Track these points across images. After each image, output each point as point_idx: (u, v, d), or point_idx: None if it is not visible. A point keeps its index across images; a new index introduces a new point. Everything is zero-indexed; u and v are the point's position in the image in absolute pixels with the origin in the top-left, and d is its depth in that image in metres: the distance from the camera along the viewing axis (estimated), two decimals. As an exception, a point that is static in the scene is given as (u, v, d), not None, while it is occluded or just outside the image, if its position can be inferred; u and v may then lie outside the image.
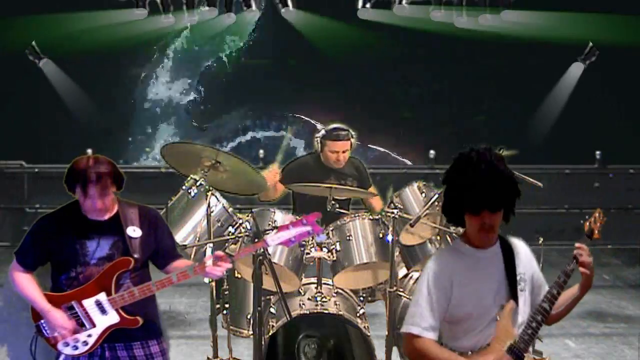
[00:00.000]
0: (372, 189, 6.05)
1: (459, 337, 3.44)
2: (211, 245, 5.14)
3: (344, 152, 5.86)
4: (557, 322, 3.63)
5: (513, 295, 3.42)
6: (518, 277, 3.44)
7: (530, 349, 3.52)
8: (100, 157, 4.01)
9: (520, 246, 3.56)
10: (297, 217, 5.26)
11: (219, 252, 4.11)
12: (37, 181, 10.79)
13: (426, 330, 3.36)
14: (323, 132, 5.90)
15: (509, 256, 3.46)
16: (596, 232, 3.59)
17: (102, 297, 3.98)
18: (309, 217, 4.10)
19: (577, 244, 3.51)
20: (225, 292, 5.48)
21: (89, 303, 3.98)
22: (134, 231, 4.04)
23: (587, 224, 3.60)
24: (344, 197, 5.76)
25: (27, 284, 4.05)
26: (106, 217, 4.05)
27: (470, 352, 3.41)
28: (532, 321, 3.44)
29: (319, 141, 5.90)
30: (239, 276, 5.42)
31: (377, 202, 6.00)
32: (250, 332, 5.36)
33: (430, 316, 3.36)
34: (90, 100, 11.99)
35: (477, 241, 3.44)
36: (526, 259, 3.53)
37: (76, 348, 4.00)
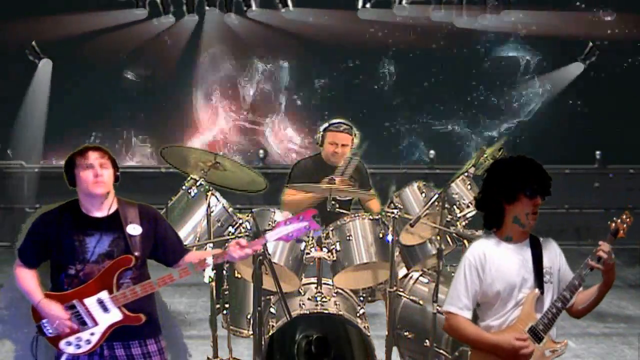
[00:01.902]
0: (371, 192, 6.05)
1: (489, 317, 3.87)
2: (211, 245, 5.14)
3: (343, 145, 5.86)
4: (586, 314, 4.00)
5: (539, 285, 3.81)
6: (544, 270, 3.83)
7: (554, 331, 3.87)
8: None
9: (549, 244, 3.95)
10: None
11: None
12: (37, 181, 10.79)
13: (461, 309, 3.84)
14: (326, 124, 5.93)
15: (537, 251, 3.86)
16: (621, 231, 3.85)
17: (103, 295, 3.98)
18: (305, 213, 4.13)
19: (600, 242, 3.80)
20: (225, 292, 5.48)
21: (90, 302, 3.98)
22: (134, 229, 4.04)
23: (613, 224, 3.86)
24: (345, 197, 5.76)
25: (26, 278, 4.06)
26: (106, 213, 4.06)
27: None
28: (553, 307, 3.82)
29: (320, 134, 5.90)
30: (239, 276, 5.43)
31: (375, 205, 6.00)
32: (250, 332, 5.36)
33: (465, 297, 3.83)
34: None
35: (523, 225, 3.81)
36: (554, 255, 3.92)
37: (79, 347, 4.00)
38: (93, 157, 4.03)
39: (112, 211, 4.08)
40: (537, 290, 3.81)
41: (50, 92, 11.87)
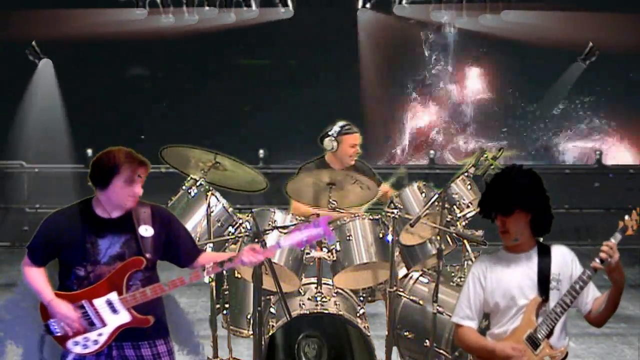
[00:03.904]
0: (376, 181, 6.05)
1: (494, 325, 3.91)
2: (211, 245, 5.14)
3: (358, 145, 5.97)
4: (605, 320, 3.88)
5: (542, 292, 3.77)
6: (551, 277, 3.79)
7: (565, 340, 3.84)
8: (121, 147, 4.02)
9: (559, 250, 3.90)
10: (299, 217, 5.31)
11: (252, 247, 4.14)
12: (37, 181, 10.79)
13: (463, 319, 3.91)
14: (337, 128, 5.95)
15: (544, 258, 3.83)
16: (630, 229, 3.79)
17: (113, 296, 3.97)
18: (320, 220, 4.11)
19: (604, 242, 3.74)
20: (225, 292, 5.48)
21: (99, 302, 3.97)
22: (146, 230, 4.02)
23: (623, 222, 3.80)
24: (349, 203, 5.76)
25: (35, 276, 4.04)
26: (119, 214, 4.03)
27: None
28: (552, 313, 3.76)
29: (334, 139, 5.91)
30: (239, 276, 5.43)
31: (386, 191, 6.01)
32: (250, 332, 5.36)
33: (467, 307, 3.90)
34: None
35: (505, 243, 3.89)
36: (563, 262, 3.86)
37: (86, 347, 3.99)
38: (142, 175, 3.95)
39: (124, 212, 4.05)
40: (538, 297, 3.77)
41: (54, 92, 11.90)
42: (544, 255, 3.85)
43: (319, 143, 6.05)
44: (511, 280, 3.82)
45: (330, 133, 5.96)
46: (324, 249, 5.26)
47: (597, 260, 3.70)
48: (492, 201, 3.82)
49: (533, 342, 3.75)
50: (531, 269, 3.82)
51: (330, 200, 5.31)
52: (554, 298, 3.78)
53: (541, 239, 3.95)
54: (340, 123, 6.02)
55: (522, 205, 3.75)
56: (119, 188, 3.93)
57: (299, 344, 5.10)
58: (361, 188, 5.38)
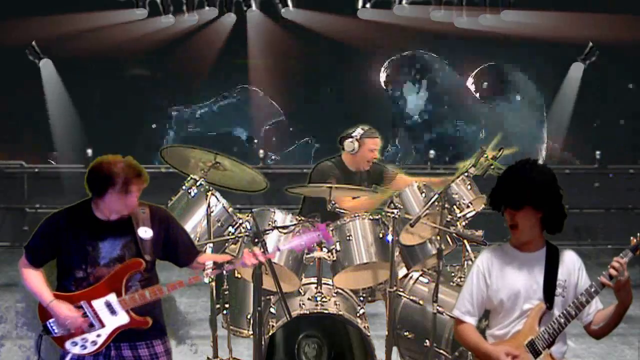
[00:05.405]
0: (399, 174, 6.21)
1: (495, 326, 3.84)
2: (211, 245, 5.14)
3: (377, 150, 6.07)
4: (605, 335, 3.84)
5: (547, 298, 3.71)
6: (557, 283, 3.72)
7: (565, 347, 3.80)
8: (120, 157, 4.03)
9: (568, 256, 3.82)
10: (298, 217, 5.32)
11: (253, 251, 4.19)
12: (37, 181, 10.79)
13: (464, 314, 3.83)
14: (360, 131, 6.01)
15: (551, 262, 3.75)
16: None
17: (112, 298, 3.98)
18: (320, 225, 4.23)
19: (615, 258, 3.65)
20: (225, 292, 5.48)
21: (98, 304, 3.98)
22: (145, 232, 4.03)
23: (635, 239, 3.69)
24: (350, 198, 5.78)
25: (34, 278, 4.05)
26: (117, 217, 4.03)
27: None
28: (555, 323, 3.70)
29: (356, 141, 5.95)
30: (239, 276, 5.43)
31: (403, 180, 6.12)
32: (250, 332, 5.36)
33: (469, 303, 3.82)
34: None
35: (512, 239, 3.79)
36: (572, 269, 3.78)
37: (84, 347, 4.00)
38: (136, 187, 3.96)
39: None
40: (542, 304, 3.71)
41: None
42: (552, 259, 3.76)
43: (338, 143, 6.08)
44: (517, 280, 3.74)
45: (353, 135, 5.99)
46: (324, 249, 5.26)
47: (606, 275, 3.63)
48: (502, 194, 3.72)
49: (534, 349, 3.70)
50: (538, 272, 3.74)
51: (330, 200, 5.31)
52: (557, 305, 3.72)
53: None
54: (363, 126, 6.07)
55: (532, 201, 3.66)
56: (114, 198, 3.95)
57: (299, 344, 5.11)
58: None
